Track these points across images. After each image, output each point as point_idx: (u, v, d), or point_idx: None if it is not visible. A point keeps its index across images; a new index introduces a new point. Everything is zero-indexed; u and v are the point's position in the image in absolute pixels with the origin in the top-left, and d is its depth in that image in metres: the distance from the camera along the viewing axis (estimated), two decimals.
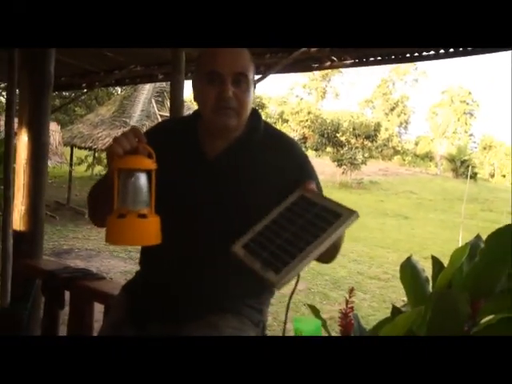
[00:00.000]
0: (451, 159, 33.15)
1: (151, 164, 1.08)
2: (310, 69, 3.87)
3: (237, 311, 1.31)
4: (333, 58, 3.58)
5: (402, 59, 3.34)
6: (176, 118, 1.77)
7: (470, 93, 45.90)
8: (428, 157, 41.02)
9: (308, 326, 1.35)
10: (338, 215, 1.00)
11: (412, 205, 20.09)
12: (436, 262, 2.00)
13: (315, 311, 1.98)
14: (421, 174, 30.84)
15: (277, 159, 1.30)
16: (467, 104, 45.67)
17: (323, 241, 0.96)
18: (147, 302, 1.31)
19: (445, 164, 35.75)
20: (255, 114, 1.34)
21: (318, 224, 1.00)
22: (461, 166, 31.36)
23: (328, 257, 1.28)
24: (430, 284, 1.98)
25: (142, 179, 1.07)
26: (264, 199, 1.22)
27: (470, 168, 22.96)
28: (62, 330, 2.10)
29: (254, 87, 1.31)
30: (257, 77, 3.73)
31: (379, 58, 3.38)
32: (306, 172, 1.32)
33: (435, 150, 40.46)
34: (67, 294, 2.00)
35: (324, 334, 1.89)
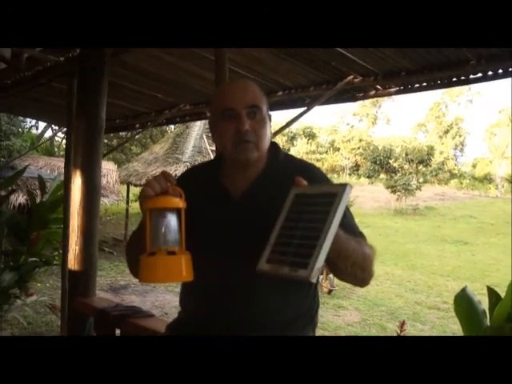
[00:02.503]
0: None
1: (180, 203, 1.13)
2: (354, 99, 3.86)
3: None
4: (377, 86, 3.57)
5: (448, 84, 3.27)
6: (202, 162, 1.86)
7: None
8: (487, 179, 39.38)
9: None
10: (333, 195, 1.04)
11: (472, 230, 19.25)
12: (492, 293, 1.91)
13: None
14: (480, 197, 29.56)
15: None
16: None
17: (331, 222, 1.00)
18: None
19: (506, 186, 34.20)
20: (273, 145, 1.39)
21: (320, 210, 1.04)
22: None
23: (355, 278, 1.27)
24: (488, 317, 1.89)
25: (172, 218, 1.12)
26: None
27: None
28: None
29: (270, 120, 1.35)
30: (302, 109, 3.77)
31: (424, 84, 3.34)
32: None
33: (495, 172, 38.83)
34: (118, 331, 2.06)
35: None
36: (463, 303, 1.92)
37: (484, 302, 1.93)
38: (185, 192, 1.18)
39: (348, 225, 1.28)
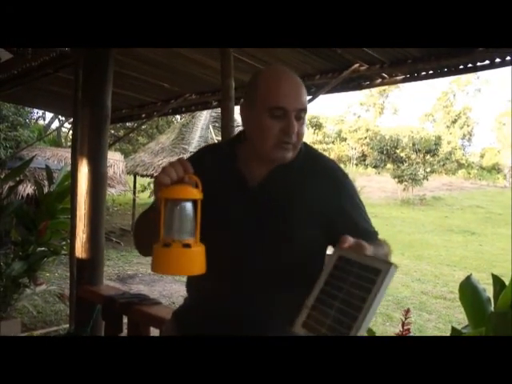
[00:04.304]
0: None
1: (197, 194, 1.09)
2: (360, 87, 3.84)
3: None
4: (383, 74, 3.55)
5: (455, 71, 3.25)
6: (217, 143, 1.81)
7: None
8: (495, 169, 39.12)
9: None
10: (377, 271, 0.99)
11: (479, 220, 19.16)
12: (497, 280, 1.91)
13: (369, 332, 1.94)
14: (488, 187, 29.39)
15: (316, 183, 1.30)
16: None
17: (372, 302, 0.96)
18: (193, 328, 1.34)
19: None
20: None
21: (362, 285, 1.00)
22: None
23: None
24: (492, 304, 1.89)
25: (188, 209, 1.08)
26: (305, 224, 1.26)
27: None
28: None
29: None
30: (308, 98, 3.75)
31: (431, 72, 3.31)
32: (345, 194, 1.33)
33: (503, 162, 38.54)
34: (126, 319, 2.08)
35: None
36: (468, 291, 1.92)
37: (490, 292, 1.93)
38: (198, 172, 1.14)
39: (362, 221, 1.32)
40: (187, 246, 1.07)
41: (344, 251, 1.09)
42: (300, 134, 1.24)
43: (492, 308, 1.85)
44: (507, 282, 1.89)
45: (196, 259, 1.09)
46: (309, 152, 1.36)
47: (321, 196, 1.29)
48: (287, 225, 1.26)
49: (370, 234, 1.31)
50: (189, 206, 1.09)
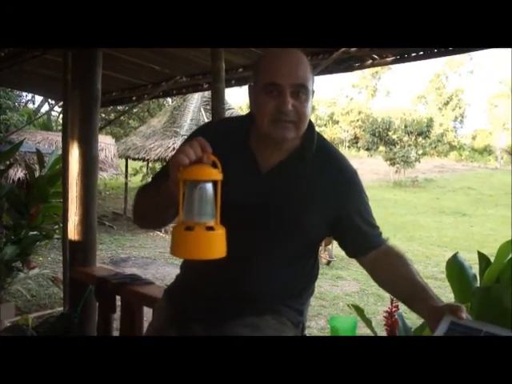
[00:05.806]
0: None
1: (218, 174, 1.04)
2: (351, 69, 3.83)
3: (277, 312, 1.34)
4: (374, 56, 3.54)
5: (444, 52, 3.25)
6: (226, 119, 1.78)
7: None
8: (487, 150, 39.32)
9: (344, 324, 1.37)
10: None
11: (470, 201, 19.34)
12: (482, 257, 1.95)
13: (359, 311, 1.98)
14: (479, 168, 29.60)
15: (328, 174, 1.31)
16: None
17: None
18: (187, 305, 1.36)
19: (505, 157, 34.22)
20: (310, 126, 1.30)
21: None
22: None
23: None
24: (478, 281, 1.93)
25: (209, 190, 1.03)
26: (312, 214, 1.28)
27: None
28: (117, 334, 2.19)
29: (312, 96, 1.27)
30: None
31: (421, 52, 3.32)
32: (354, 192, 1.36)
33: (495, 143, 38.72)
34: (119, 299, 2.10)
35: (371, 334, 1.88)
36: (455, 268, 1.96)
37: (477, 270, 1.97)
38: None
39: (368, 216, 1.38)
40: (210, 228, 1.03)
41: (456, 319, 1.10)
42: (300, 113, 1.20)
43: (478, 284, 1.89)
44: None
45: (219, 242, 1.04)
46: (321, 143, 1.34)
47: (330, 190, 1.30)
48: (295, 212, 1.28)
49: (374, 228, 1.39)
50: (209, 186, 1.04)
